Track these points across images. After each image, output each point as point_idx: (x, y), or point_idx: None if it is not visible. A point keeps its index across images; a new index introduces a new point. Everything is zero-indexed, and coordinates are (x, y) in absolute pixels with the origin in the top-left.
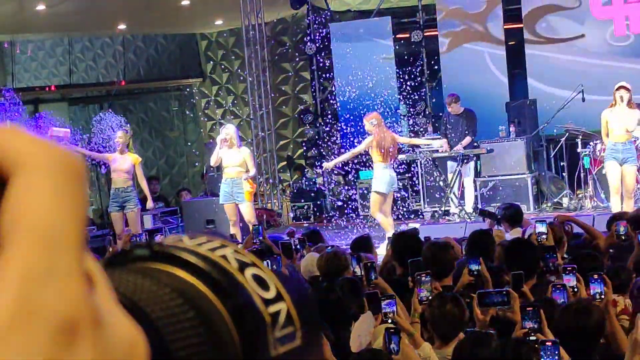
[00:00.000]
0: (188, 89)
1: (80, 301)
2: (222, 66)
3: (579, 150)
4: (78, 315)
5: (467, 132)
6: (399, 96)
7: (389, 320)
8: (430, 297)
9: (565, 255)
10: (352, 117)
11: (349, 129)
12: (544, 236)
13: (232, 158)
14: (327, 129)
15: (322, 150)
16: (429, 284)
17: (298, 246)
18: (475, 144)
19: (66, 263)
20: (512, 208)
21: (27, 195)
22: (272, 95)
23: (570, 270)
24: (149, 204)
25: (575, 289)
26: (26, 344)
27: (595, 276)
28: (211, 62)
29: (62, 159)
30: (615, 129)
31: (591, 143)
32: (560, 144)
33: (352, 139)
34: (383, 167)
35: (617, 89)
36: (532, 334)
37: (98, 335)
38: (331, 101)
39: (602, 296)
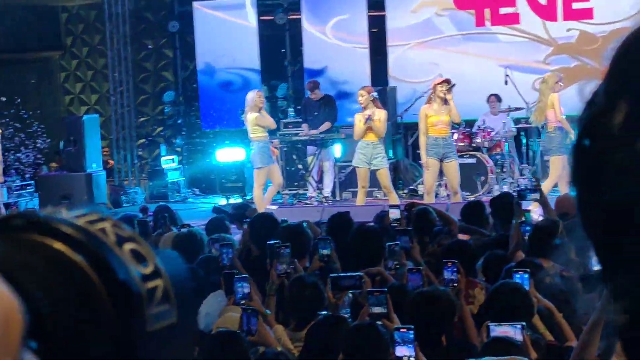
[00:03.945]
0: (47, 62)
1: None
2: (83, 40)
3: None
4: None
5: (327, 117)
6: (261, 78)
7: (242, 302)
8: (288, 271)
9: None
10: (213, 97)
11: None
12: (397, 221)
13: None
14: (187, 107)
15: (182, 128)
16: (288, 257)
17: (152, 223)
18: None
19: None
20: (243, 207)
21: None
22: (133, 71)
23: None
24: None
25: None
26: None
27: (450, 264)
28: (71, 36)
29: None
30: None
31: None
32: (417, 132)
33: (214, 115)
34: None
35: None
36: (380, 318)
37: None
38: (192, 80)
39: (455, 284)
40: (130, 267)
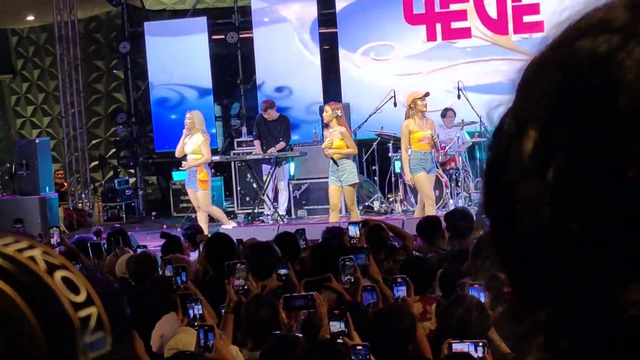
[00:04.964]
0: None
1: None
2: (34, 63)
3: (390, 154)
4: None
5: (281, 137)
6: (213, 97)
7: (195, 323)
8: (245, 287)
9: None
10: (166, 118)
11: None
12: (356, 239)
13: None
14: (140, 128)
15: (136, 150)
16: (244, 272)
17: (105, 246)
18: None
19: None
20: (193, 228)
21: None
22: (84, 93)
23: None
24: None
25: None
26: None
27: (399, 279)
28: (22, 59)
29: None
30: None
31: None
32: (372, 148)
33: (167, 136)
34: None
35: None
36: (340, 337)
37: None
38: (145, 101)
39: (407, 298)
40: (62, 296)
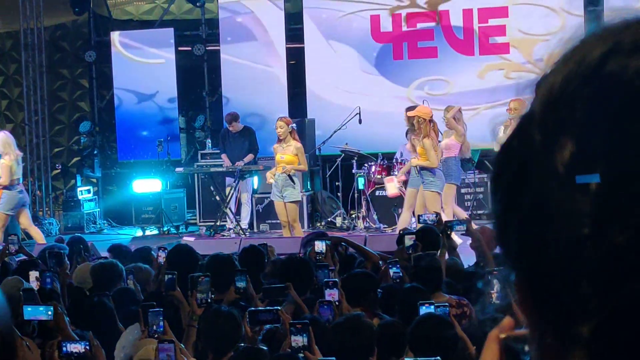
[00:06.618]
0: None
1: None
2: None
3: (354, 171)
4: None
5: (247, 149)
6: (178, 109)
7: (155, 335)
8: (208, 300)
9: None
10: (130, 128)
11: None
12: (322, 254)
13: None
14: (103, 138)
15: (98, 159)
16: (207, 285)
17: (67, 255)
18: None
19: None
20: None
21: None
22: (48, 101)
23: (333, 285)
24: None
25: (337, 302)
26: None
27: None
28: None
29: None
30: None
31: (366, 165)
32: (336, 164)
33: (130, 146)
34: None
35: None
36: (301, 352)
37: None
38: (109, 110)
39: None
40: None
